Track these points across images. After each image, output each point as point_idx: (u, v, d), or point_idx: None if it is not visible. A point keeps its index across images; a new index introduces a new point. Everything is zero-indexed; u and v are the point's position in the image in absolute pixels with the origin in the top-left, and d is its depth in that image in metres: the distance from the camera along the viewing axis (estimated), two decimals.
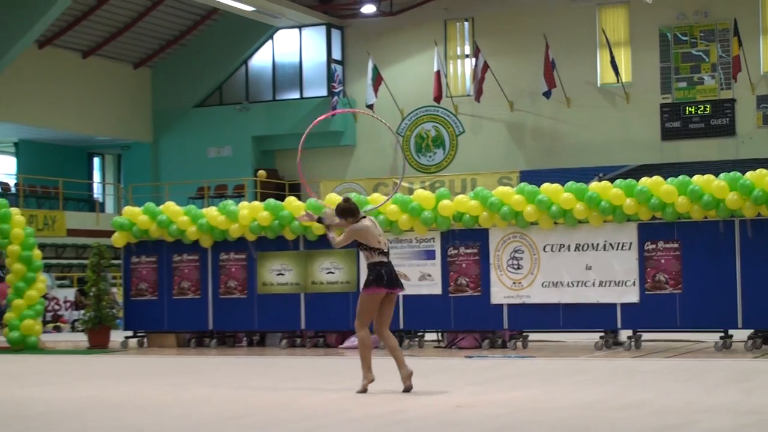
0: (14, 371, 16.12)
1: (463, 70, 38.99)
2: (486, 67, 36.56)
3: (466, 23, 38.73)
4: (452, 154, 38.76)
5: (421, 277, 19.17)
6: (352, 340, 19.60)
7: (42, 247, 21.88)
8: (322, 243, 19.71)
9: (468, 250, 18.91)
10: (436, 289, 19.05)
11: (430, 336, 20.02)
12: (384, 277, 11.82)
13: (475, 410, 10.30)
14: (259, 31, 40.12)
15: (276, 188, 38.61)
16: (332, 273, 19.82)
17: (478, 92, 36.94)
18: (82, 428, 9.62)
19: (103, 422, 9.97)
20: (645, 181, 17.96)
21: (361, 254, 12.23)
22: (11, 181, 38.40)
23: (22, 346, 20.47)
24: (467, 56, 38.59)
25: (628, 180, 18.25)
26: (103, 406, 11.22)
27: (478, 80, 36.78)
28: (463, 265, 18.92)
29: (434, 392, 12.00)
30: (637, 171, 29.89)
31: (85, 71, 39.13)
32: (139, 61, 41.08)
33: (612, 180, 18.76)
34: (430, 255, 19.14)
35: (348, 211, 12.01)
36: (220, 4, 36.97)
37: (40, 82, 37.26)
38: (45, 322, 23.85)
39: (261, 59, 41.01)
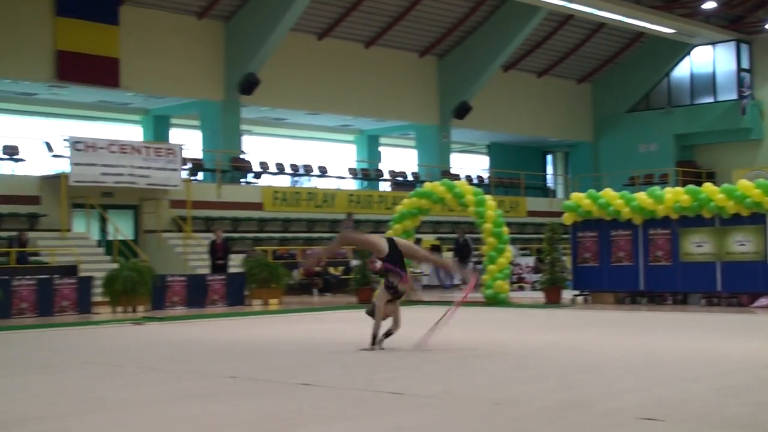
0: (490, 320, 16.74)
1: None
2: None
3: None
4: None
5: None
6: (761, 301, 18.76)
7: (508, 225, 22.45)
8: (735, 220, 19.05)
9: None
10: None
11: None
12: None
13: None
14: (678, 49, 39.20)
15: (694, 176, 37.56)
16: (743, 245, 19.02)
17: None
18: (541, 364, 9.88)
19: (559, 361, 10.20)
20: None
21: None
22: (485, 175, 39.73)
23: (494, 301, 21.17)
24: None
25: None
26: (559, 348, 11.46)
27: None
28: None
29: None
30: None
31: (539, 88, 39.78)
32: (581, 78, 41.24)
33: None
34: None
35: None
36: (647, 29, 36.40)
37: (505, 99, 38.32)
38: (511, 283, 24.42)
39: (680, 71, 39.98)
